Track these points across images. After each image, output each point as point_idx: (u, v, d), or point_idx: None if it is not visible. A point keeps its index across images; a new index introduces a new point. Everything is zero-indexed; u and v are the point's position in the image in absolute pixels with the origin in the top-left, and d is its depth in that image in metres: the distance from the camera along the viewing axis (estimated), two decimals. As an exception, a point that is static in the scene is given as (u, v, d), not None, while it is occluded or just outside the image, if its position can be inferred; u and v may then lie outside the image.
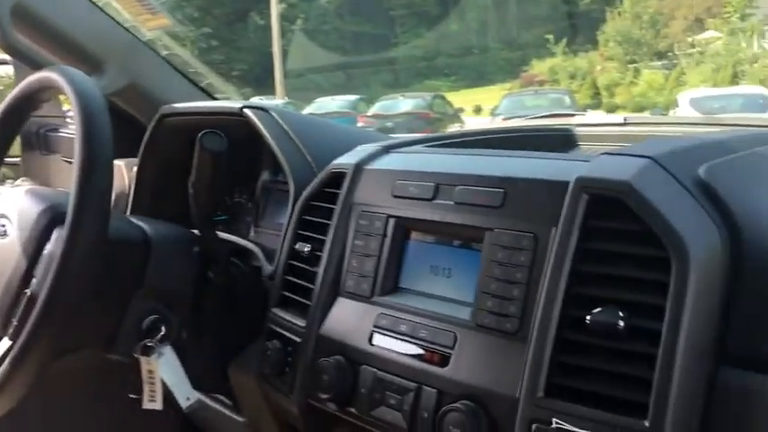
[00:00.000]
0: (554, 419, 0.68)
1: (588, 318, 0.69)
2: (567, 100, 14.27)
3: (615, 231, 0.70)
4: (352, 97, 17.96)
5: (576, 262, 0.72)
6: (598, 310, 0.68)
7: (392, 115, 14.27)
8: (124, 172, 1.46)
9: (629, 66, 23.95)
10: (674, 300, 0.65)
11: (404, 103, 15.49)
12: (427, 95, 16.99)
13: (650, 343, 0.65)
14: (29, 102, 1.10)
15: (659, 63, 24.14)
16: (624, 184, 0.70)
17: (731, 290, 0.67)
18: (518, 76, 25.48)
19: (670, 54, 23.93)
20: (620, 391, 0.66)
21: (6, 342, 0.92)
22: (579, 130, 1.30)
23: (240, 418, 1.20)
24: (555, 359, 0.70)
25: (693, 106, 10.70)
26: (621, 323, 0.67)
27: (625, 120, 1.40)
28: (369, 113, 15.27)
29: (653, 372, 0.64)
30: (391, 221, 0.92)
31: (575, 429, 0.67)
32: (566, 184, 0.75)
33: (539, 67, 25.55)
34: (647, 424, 0.64)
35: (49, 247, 0.95)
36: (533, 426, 0.69)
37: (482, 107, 18.34)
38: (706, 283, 0.66)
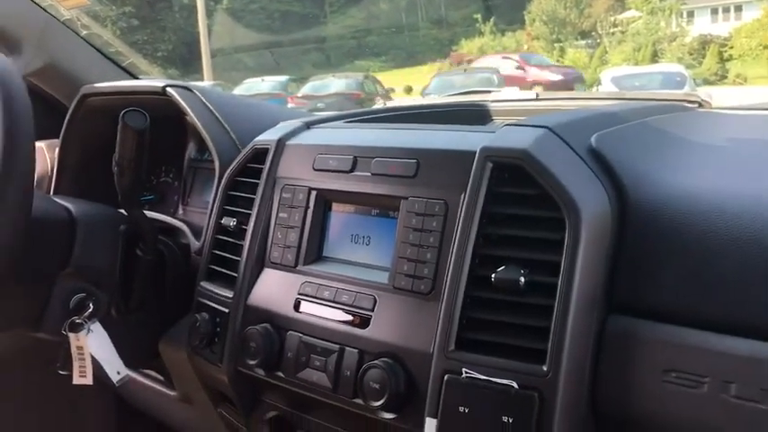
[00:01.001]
0: (464, 369, 0.74)
1: (493, 276, 0.75)
2: (495, 79, 14.53)
3: (516, 196, 0.77)
4: (283, 78, 17.78)
5: (482, 225, 0.77)
6: (501, 268, 0.74)
7: (323, 96, 14.23)
8: (46, 153, 1.44)
9: (555, 45, 24.48)
10: (568, 256, 0.71)
11: (334, 84, 15.45)
12: (358, 76, 16.99)
13: (548, 296, 0.72)
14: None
15: (583, 42, 24.76)
16: (523, 152, 0.76)
17: (617, 246, 0.75)
18: (448, 55, 25.69)
19: (593, 33, 24.58)
20: (522, 341, 0.73)
21: (-70, 324, 0.92)
22: (493, 106, 1.36)
23: (172, 393, 1.23)
24: (464, 315, 0.76)
25: (615, 84, 11.08)
26: (522, 279, 0.73)
27: (537, 95, 1.47)
28: (299, 94, 15.18)
29: (550, 321, 0.71)
30: (313, 194, 0.96)
31: (482, 377, 0.73)
32: (473, 153, 0.80)
33: (468, 47, 25.83)
34: (545, 368, 0.70)
35: None
36: (446, 376, 0.75)
37: (412, 87, 18.46)
38: (596, 240, 0.73)
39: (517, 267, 0.74)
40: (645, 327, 0.71)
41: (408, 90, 18.70)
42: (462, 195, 0.80)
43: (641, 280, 0.73)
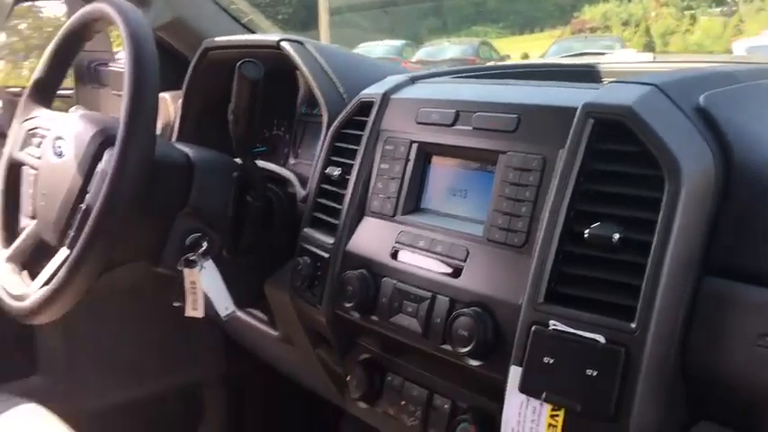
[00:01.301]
0: (551, 322, 0.75)
1: (586, 232, 0.74)
2: (618, 47, 13.89)
3: (616, 153, 0.76)
4: (398, 42, 17.77)
5: (579, 181, 0.77)
6: (596, 224, 0.74)
7: (437, 61, 14.10)
8: (170, 103, 1.53)
9: (686, 12, 23.02)
10: (666, 215, 0.70)
11: (450, 50, 15.31)
12: (474, 42, 16.74)
13: (641, 254, 0.71)
14: (82, 32, 1.18)
15: (718, 10, 23.12)
16: (626, 108, 0.75)
17: (719, 208, 0.73)
18: (568, 22, 24.75)
19: (729, 0, 22.90)
20: (612, 297, 0.72)
21: (65, 251, 1.02)
22: (604, 67, 1.32)
23: (275, 333, 1.30)
24: (555, 269, 0.77)
25: (749, 55, 10.31)
26: (616, 236, 0.73)
27: (654, 58, 1.42)
28: (413, 59, 15.13)
29: (642, 280, 0.70)
30: (414, 146, 0.98)
31: (568, 330, 0.73)
32: (574, 109, 0.80)
33: (591, 13, 24.74)
34: (633, 325, 0.70)
35: (101, 166, 1.04)
36: (533, 328, 0.76)
37: (529, 54, 17.97)
38: (695, 201, 0.71)
39: (612, 224, 0.73)
40: (742, 290, 0.69)
41: (525, 57, 18.21)
42: (561, 151, 0.80)
43: (742, 243, 0.71)
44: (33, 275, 1.09)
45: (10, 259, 1.15)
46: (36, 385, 1.50)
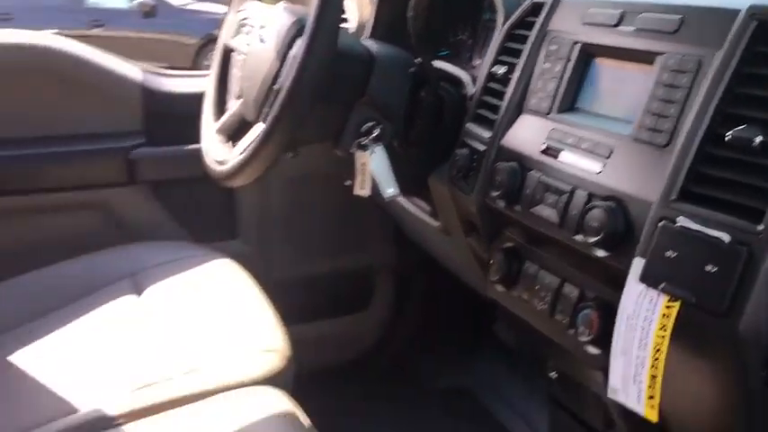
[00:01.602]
0: (679, 218, 0.76)
1: (729, 134, 0.74)
2: None
3: (775, 56, 0.74)
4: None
5: (731, 83, 0.76)
6: (740, 127, 0.73)
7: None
8: (366, 4, 1.63)
9: None
10: (813, 120, 0.68)
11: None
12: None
13: None
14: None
15: None
16: None
17: None
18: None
19: None
20: (743, 199, 0.72)
21: (260, 126, 1.18)
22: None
23: (436, 223, 1.40)
24: (693, 169, 0.77)
25: None
26: (758, 139, 0.71)
27: None
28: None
29: None
30: (576, 47, 1.00)
31: (695, 226, 0.74)
32: (738, 11, 0.78)
33: None
34: (760, 228, 0.70)
35: (292, 52, 1.17)
36: (661, 222, 0.78)
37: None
38: None
39: (756, 128, 0.72)
40: None
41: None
42: (718, 53, 0.79)
43: None
44: (235, 146, 1.27)
45: (218, 131, 1.35)
46: (235, 249, 1.74)
